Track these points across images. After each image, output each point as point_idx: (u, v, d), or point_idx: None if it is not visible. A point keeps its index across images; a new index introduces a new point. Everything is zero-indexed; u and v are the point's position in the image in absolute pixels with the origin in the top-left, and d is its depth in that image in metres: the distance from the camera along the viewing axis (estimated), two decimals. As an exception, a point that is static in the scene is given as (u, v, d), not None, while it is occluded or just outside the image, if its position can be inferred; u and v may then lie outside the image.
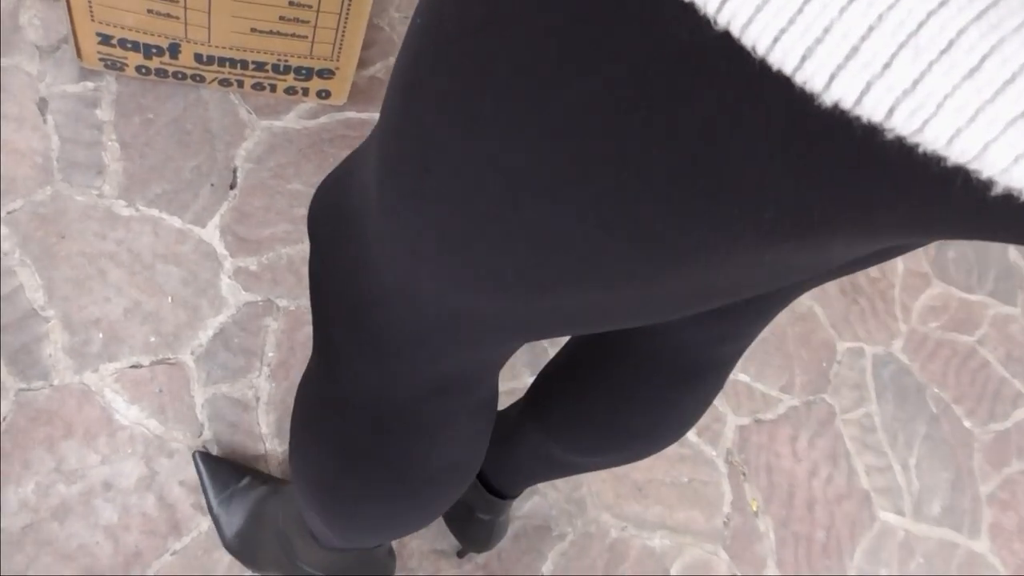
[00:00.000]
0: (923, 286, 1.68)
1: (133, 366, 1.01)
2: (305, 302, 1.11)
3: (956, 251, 1.79)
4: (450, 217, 0.33)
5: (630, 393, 0.59)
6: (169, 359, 1.02)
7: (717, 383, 0.59)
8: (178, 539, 0.95)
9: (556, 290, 0.33)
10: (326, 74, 1.10)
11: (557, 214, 0.29)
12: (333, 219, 0.46)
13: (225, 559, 0.96)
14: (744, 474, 1.29)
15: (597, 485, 1.18)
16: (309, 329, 1.09)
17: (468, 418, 0.53)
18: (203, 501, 0.97)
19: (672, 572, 1.17)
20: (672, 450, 1.25)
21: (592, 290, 0.32)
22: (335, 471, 0.55)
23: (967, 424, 1.53)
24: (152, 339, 1.02)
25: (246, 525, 0.93)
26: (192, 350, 1.03)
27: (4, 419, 0.94)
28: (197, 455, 0.96)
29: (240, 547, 0.93)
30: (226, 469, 0.96)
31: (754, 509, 1.27)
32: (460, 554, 1.05)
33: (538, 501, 1.14)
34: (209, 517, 0.96)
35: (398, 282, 0.40)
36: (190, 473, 0.97)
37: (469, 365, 0.47)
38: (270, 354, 1.06)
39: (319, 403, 0.54)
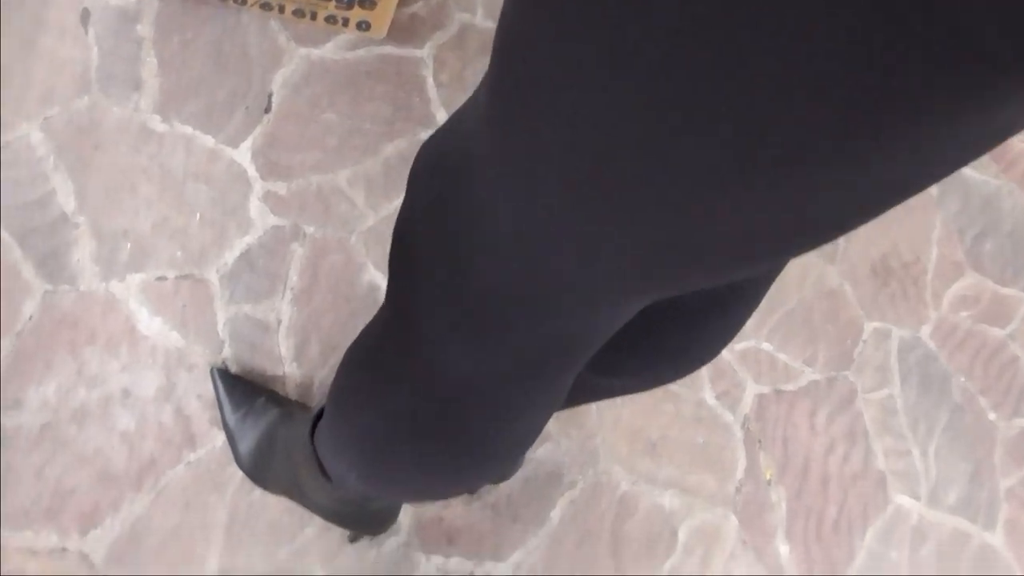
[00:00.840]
0: (956, 275, 1.64)
1: (159, 279, 1.01)
2: (332, 231, 1.10)
3: (993, 243, 1.75)
4: (572, 145, 0.29)
5: (664, 311, 0.57)
6: (194, 275, 1.02)
7: (754, 302, 0.57)
8: (193, 451, 0.95)
9: (695, 213, 0.28)
10: (367, 3, 1.09)
11: (703, 121, 0.25)
12: (439, 172, 0.41)
13: (237, 475, 0.96)
14: (760, 442, 1.27)
15: (611, 437, 1.17)
16: (334, 258, 1.09)
17: (549, 403, 0.49)
18: (219, 416, 0.97)
19: (680, 532, 1.16)
20: (689, 410, 1.24)
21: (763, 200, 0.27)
22: (387, 438, 0.51)
23: (991, 417, 1.50)
24: (179, 254, 1.03)
25: (258, 445, 0.93)
26: (217, 268, 1.04)
27: (30, 319, 0.95)
28: (215, 371, 0.96)
29: (251, 466, 0.94)
30: (243, 387, 0.96)
31: (768, 478, 1.26)
32: (471, 491, 1.04)
33: (551, 448, 1.13)
34: (223, 433, 0.97)
35: (514, 227, 0.36)
36: (208, 388, 0.98)
37: (568, 341, 0.43)
38: (294, 279, 1.06)
39: (383, 367, 0.50)
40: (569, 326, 0.41)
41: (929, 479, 1.38)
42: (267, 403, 0.96)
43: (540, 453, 1.11)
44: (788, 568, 1.20)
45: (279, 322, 1.04)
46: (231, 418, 0.95)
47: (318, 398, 1.02)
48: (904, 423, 1.41)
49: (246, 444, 0.94)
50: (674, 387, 1.26)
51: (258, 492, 0.96)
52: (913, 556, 1.31)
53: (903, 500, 1.34)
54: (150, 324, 0.98)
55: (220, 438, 0.97)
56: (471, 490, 0.60)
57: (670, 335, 0.59)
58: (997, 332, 1.59)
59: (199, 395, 0.97)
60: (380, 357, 0.51)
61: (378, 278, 1.10)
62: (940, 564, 1.32)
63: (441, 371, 0.46)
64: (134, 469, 0.93)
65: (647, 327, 0.59)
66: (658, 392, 1.24)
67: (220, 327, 1.01)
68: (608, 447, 1.16)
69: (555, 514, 1.10)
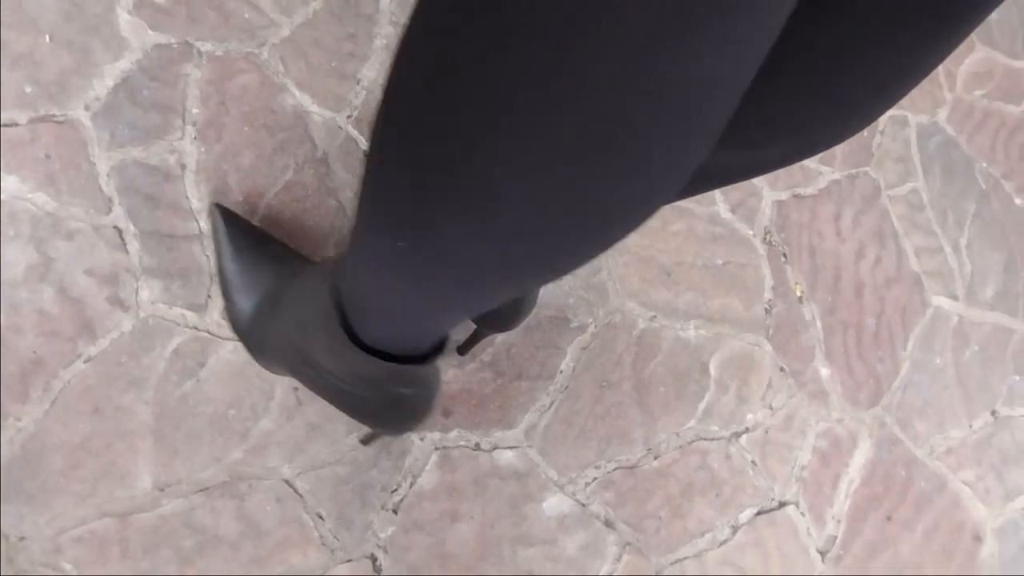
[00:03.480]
0: (966, 51, 1.45)
1: (7, 124, 0.74)
2: (236, 46, 0.84)
3: (999, 14, 1.56)
4: None
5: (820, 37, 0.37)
6: (55, 116, 0.76)
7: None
8: (92, 342, 0.72)
9: None
10: None
11: None
12: None
13: (159, 365, 0.73)
14: (785, 255, 1.09)
15: (619, 269, 0.97)
16: (244, 79, 0.83)
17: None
18: (121, 294, 0.74)
19: (711, 366, 0.98)
20: (702, 228, 1.04)
21: None
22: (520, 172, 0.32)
23: (1018, 202, 1.34)
24: (28, 89, 0.76)
25: (260, 304, 0.72)
26: (86, 104, 0.77)
27: None
28: (216, 206, 0.76)
29: (249, 329, 0.73)
30: (249, 233, 0.75)
31: (798, 295, 1.08)
32: (462, 351, 0.84)
33: (551, 289, 0.93)
34: (131, 314, 0.73)
35: None
36: (99, 258, 0.74)
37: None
38: (194, 111, 0.81)
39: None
40: None
41: (964, 275, 1.23)
42: (275, 254, 0.74)
43: (539, 296, 0.90)
44: (832, 391, 1.04)
45: (183, 166, 0.79)
46: (230, 267, 0.74)
47: (250, 257, 0.79)
48: (932, 218, 1.24)
49: (246, 300, 0.73)
50: (683, 203, 1.06)
51: (189, 385, 0.74)
52: (958, 359, 1.16)
53: (941, 301, 1.18)
54: (4, 185, 0.73)
55: (127, 321, 0.73)
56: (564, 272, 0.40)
57: (828, 90, 0.40)
58: (1013, 109, 1.42)
59: (88, 269, 0.73)
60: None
61: (305, 101, 0.85)
62: (986, 364, 1.18)
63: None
64: (14, 374, 0.69)
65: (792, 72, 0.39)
66: (664, 211, 1.03)
67: (103, 179, 0.76)
68: (617, 281, 0.96)
69: (566, 364, 0.90)
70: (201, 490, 0.73)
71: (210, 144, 0.80)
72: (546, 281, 0.42)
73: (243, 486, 0.74)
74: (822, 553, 0.96)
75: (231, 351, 0.76)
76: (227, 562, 0.72)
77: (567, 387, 0.90)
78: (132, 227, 0.76)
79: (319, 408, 0.78)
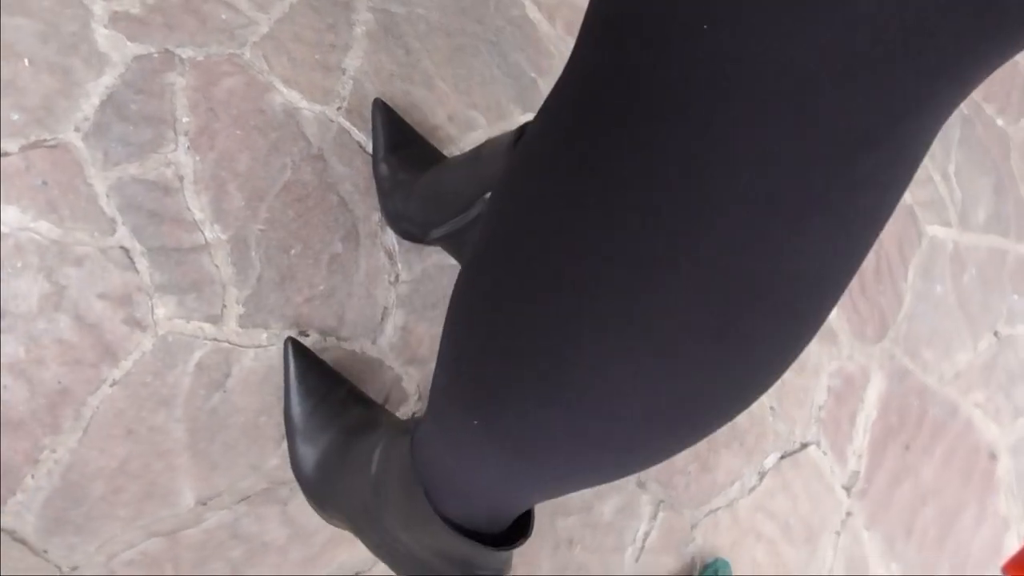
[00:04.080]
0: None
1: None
2: (217, 49, 0.83)
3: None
4: None
5: None
6: (46, 140, 0.75)
7: None
8: (115, 365, 0.72)
9: None
10: None
11: None
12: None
13: (184, 382, 0.73)
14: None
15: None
16: (230, 83, 0.82)
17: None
18: (137, 314, 0.73)
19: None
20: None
21: None
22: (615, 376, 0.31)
23: (1000, 123, 1.36)
24: (15, 117, 0.74)
25: (327, 453, 0.68)
26: (76, 125, 0.76)
27: None
28: (289, 342, 0.73)
29: (313, 478, 0.69)
30: (319, 371, 0.72)
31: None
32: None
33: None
34: (150, 333, 0.73)
35: None
36: (110, 281, 0.73)
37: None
38: (184, 120, 0.79)
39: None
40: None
41: (955, 202, 1.24)
42: (348, 397, 0.71)
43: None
44: (840, 330, 1.06)
45: (181, 177, 0.78)
46: (297, 409, 0.70)
47: (256, 258, 0.78)
48: (919, 148, 1.25)
49: (311, 448, 0.69)
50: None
51: (217, 397, 0.74)
52: (957, 285, 1.18)
53: (936, 230, 1.20)
54: (4, 218, 0.72)
55: (147, 341, 0.73)
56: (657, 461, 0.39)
57: None
58: (987, 31, 1.42)
59: (101, 293, 0.73)
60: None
61: (293, 97, 0.84)
62: (985, 287, 1.21)
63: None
64: (42, 407, 0.69)
65: None
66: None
67: (103, 200, 0.75)
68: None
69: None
70: (243, 499, 0.73)
71: (204, 152, 0.79)
72: (624, 474, 0.40)
73: (284, 491, 0.74)
74: (847, 489, 0.98)
75: (253, 359, 0.76)
76: (278, 567, 0.73)
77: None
78: (139, 245, 0.75)
79: (348, 405, 0.78)
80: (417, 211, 0.75)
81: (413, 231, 0.77)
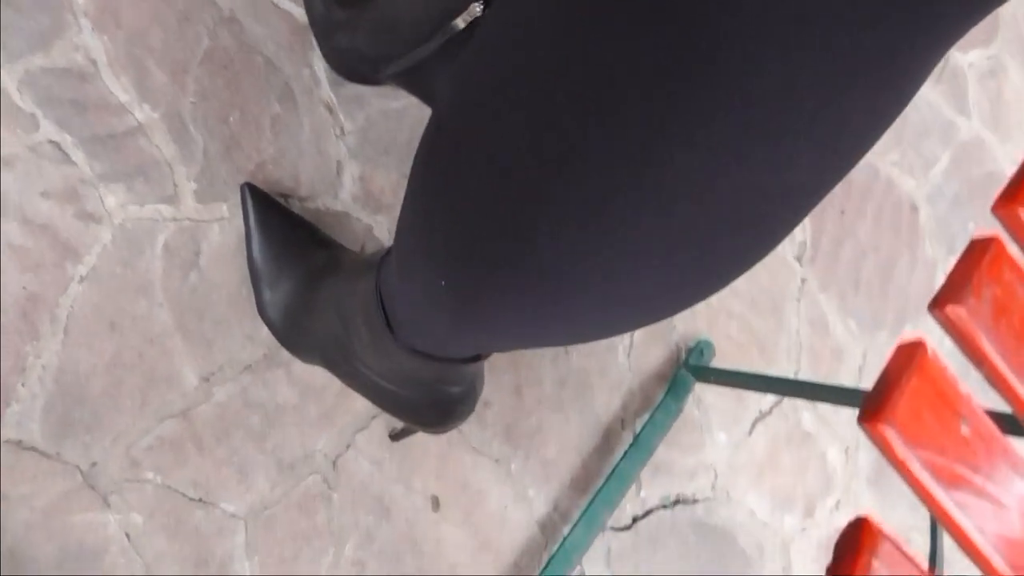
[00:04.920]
0: None
1: None
2: (92, -80, 0.76)
3: None
4: None
5: None
6: (-67, 42, 0.68)
7: None
8: (78, 262, 0.68)
9: None
10: None
11: None
12: None
13: (156, 266, 0.71)
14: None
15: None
16: (117, -45, 0.76)
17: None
18: (88, 207, 0.69)
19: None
20: None
21: None
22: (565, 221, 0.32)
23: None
24: None
25: (294, 296, 0.67)
26: (-39, 22, 0.69)
27: None
28: (246, 188, 0.70)
29: (282, 323, 0.69)
30: (280, 216, 0.70)
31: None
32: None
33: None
34: (106, 224, 0.69)
35: None
36: (49, 178, 0.69)
37: None
38: (80, 0, 0.74)
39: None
40: None
41: None
42: (310, 241, 0.69)
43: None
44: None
45: (93, 61, 0.73)
46: (260, 255, 0.69)
47: (196, 132, 0.75)
48: None
49: (277, 293, 0.68)
50: None
51: (194, 276, 0.72)
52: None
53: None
54: (-89, 131, 0.66)
55: (105, 232, 0.70)
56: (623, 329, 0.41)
57: None
58: None
59: (43, 192, 0.68)
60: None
61: (189, -37, 0.79)
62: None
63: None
64: (14, 317, 0.65)
65: None
66: None
67: (18, 99, 0.70)
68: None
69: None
70: (245, 369, 0.72)
71: (111, 32, 0.74)
72: (590, 339, 0.42)
73: (284, 354, 0.74)
74: (798, 258, 1.05)
75: (219, 232, 0.74)
76: (298, 425, 0.73)
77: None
78: (68, 137, 0.70)
79: (325, 261, 0.77)
80: (368, 46, 0.72)
81: (363, 69, 0.74)
